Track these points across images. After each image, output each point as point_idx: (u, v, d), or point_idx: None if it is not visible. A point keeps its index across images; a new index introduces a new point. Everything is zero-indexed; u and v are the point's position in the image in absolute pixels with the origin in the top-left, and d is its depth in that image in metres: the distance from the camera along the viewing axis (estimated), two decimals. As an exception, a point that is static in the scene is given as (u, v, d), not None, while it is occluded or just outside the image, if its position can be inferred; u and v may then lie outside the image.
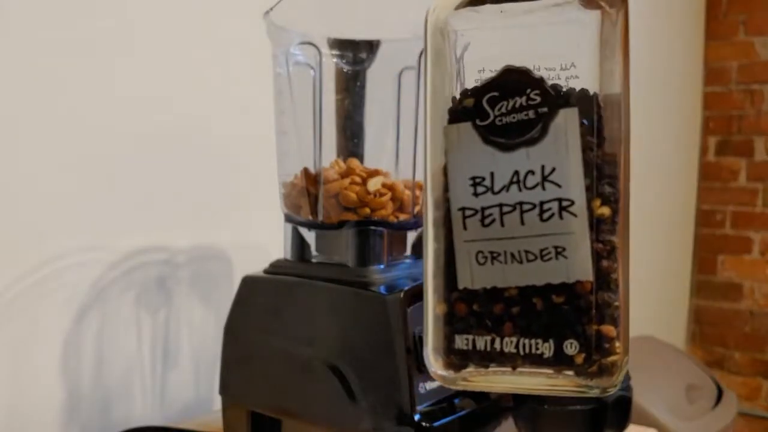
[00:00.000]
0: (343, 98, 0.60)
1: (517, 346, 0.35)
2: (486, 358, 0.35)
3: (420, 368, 0.51)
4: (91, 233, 0.72)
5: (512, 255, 0.34)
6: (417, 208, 0.58)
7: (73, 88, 0.70)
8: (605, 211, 0.34)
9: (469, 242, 0.35)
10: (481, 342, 0.35)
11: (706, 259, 2.20)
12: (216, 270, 0.85)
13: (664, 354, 1.66)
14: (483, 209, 0.35)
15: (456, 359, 0.36)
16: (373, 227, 0.56)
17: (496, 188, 0.35)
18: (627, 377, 0.70)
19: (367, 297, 0.52)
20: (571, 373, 0.35)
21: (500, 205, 0.34)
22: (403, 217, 0.58)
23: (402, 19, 0.57)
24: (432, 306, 0.36)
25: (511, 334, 0.35)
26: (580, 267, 0.34)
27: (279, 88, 0.59)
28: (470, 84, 0.36)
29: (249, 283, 0.60)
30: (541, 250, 0.34)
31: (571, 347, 0.34)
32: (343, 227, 0.56)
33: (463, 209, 0.35)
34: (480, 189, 0.35)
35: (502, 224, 0.34)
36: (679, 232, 2.16)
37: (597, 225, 0.34)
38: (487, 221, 0.35)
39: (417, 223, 0.59)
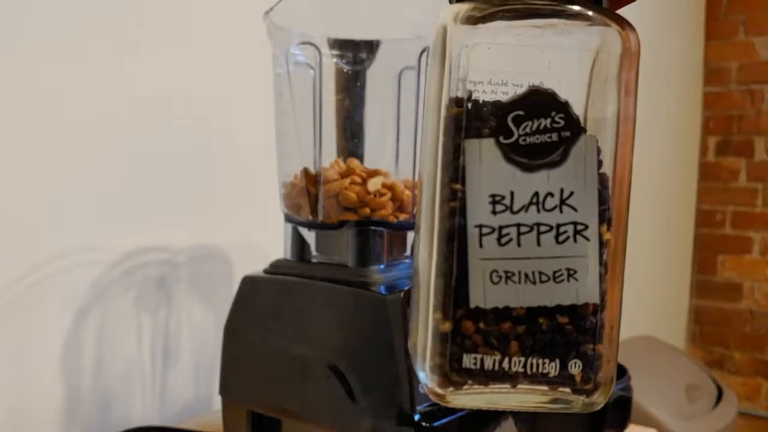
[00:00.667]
0: (343, 98, 0.60)
1: (524, 366, 0.35)
2: (490, 377, 0.35)
3: (420, 368, 0.51)
4: (91, 233, 0.72)
5: (526, 275, 0.35)
6: (417, 208, 0.58)
7: (72, 87, 0.70)
8: (609, 236, 0.35)
9: (484, 260, 0.35)
10: (489, 361, 0.35)
11: (706, 259, 2.20)
12: (216, 270, 0.85)
13: (664, 354, 1.66)
14: (501, 228, 0.35)
15: (459, 378, 0.36)
16: (373, 227, 0.56)
17: (515, 208, 0.35)
18: (627, 377, 0.70)
19: (367, 297, 0.52)
20: (567, 390, 0.35)
21: (518, 225, 0.35)
22: (403, 217, 0.58)
23: (402, 19, 0.57)
24: (434, 323, 0.36)
25: (517, 354, 0.35)
26: (589, 289, 0.34)
27: (279, 88, 0.59)
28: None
29: (249, 283, 0.60)
30: (555, 272, 0.35)
31: (574, 366, 0.35)
32: (343, 227, 0.56)
33: (480, 226, 0.35)
34: (499, 207, 0.35)
35: (519, 244, 0.35)
36: (679, 232, 2.16)
37: (602, 249, 0.35)
38: (504, 240, 0.35)
39: (417, 223, 0.59)
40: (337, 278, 0.55)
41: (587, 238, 0.34)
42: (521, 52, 0.36)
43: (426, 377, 0.36)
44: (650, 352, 1.63)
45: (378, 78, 0.60)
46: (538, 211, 0.35)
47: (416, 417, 0.49)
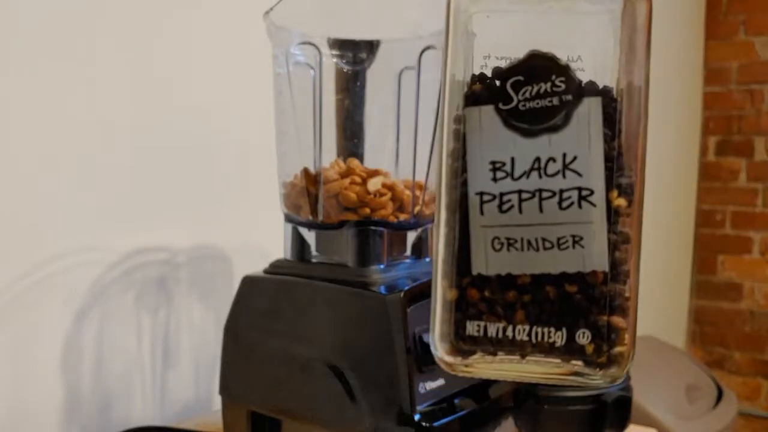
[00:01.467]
0: (343, 98, 0.60)
1: (529, 334, 0.34)
2: (496, 345, 0.35)
3: (420, 368, 0.51)
4: (91, 233, 0.72)
5: (529, 242, 0.34)
6: (417, 208, 0.58)
7: (72, 87, 0.70)
8: (621, 202, 0.34)
9: (485, 227, 0.35)
10: (493, 329, 0.35)
11: (706, 259, 2.20)
12: (216, 270, 0.84)
13: (664, 354, 1.66)
14: (501, 195, 0.34)
15: (465, 345, 0.35)
16: (373, 227, 0.56)
17: (516, 174, 0.34)
18: (627, 377, 0.70)
19: (367, 297, 0.52)
20: (579, 362, 0.34)
21: (519, 192, 0.34)
22: (403, 217, 0.58)
23: (402, 19, 0.57)
24: (441, 291, 0.35)
25: (523, 322, 0.34)
26: (596, 257, 0.34)
27: (279, 88, 0.59)
28: (477, 70, 0.36)
29: (249, 283, 0.60)
30: (559, 239, 0.34)
31: (583, 337, 0.34)
32: (343, 227, 0.56)
33: (481, 194, 0.35)
34: (499, 174, 0.34)
35: (521, 211, 0.34)
36: (679, 232, 2.16)
37: (612, 216, 0.34)
38: (505, 207, 0.34)
39: (417, 223, 0.59)
40: (337, 278, 0.55)
41: (593, 204, 0.34)
42: (544, 26, 0.36)
43: (435, 346, 0.36)
44: (650, 352, 1.63)
45: (378, 78, 0.60)
46: (540, 176, 0.34)
47: (416, 417, 0.49)
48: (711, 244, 2.19)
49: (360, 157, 0.60)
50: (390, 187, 0.57)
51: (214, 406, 0.82)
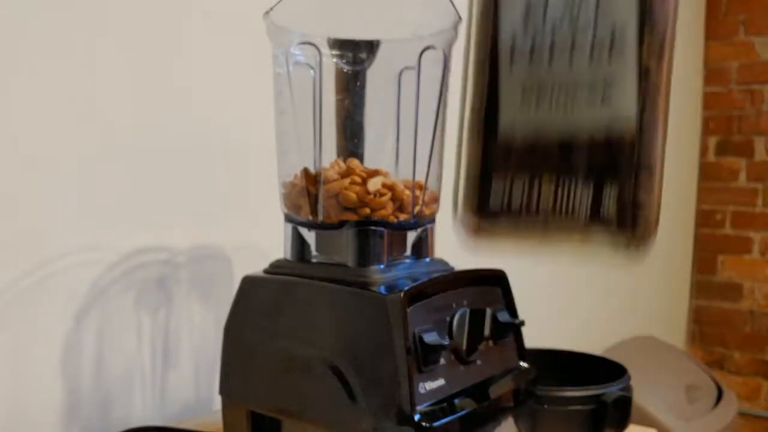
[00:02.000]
0: (343, 98, 0.60)
1: (555, 197, 0.33)
2: (521, 211, 0.34)
3: (420, 368, 0.51)
4: (91, 233, 0.72)
5: (557, 100, 0.33)
6: (417, 208, 0.58)
7: (72, 88, 0.70)
8: (651, 61, 0.33)
9: (515, 80, 0.34)
10: (518, 193, 0.34)
11: (706, 259, 2.20)
12: (216, 270, 0.84)
13: (664, 354, 1.66)
14: (532, 46, 0.34)
15: (489, 211, 0.34)
16: (373, 227, 0.56)
17: (548, 21, 0.33)
18: (627, 377, 0.70)
19: (367, 297, 0.52)
20: (603, 227, 0.33)
21: (551, 44, 0.33)
22: (403, 217, 0.58)
23: (402, 19, 0.57)
24: (466, 157, 0.34)
25: (548, 183, 0.34)
26: (624, 116, 0.33)
27: (279, 88, 0.59)
28: None
29: (249, 283, 0.60)
30: (587, 97, 0.33)
31: (609, 200, 0.33)
32: (343, 227, 0.56)
33: (513, 43, 0.34)
34: (531, 21, 0.33)
35: (550, 64, 0.33)
36: (679, 232, 2.16)
37: (642, 74, 0.33)
38: (535, 58, 0.33)
39: (417, 223, 0.59)
40: (337, 278, 0.55)
41: (623, 58, 0.32)
42: None
43: (459, 215, 0.35)
44: (650, 352, 1.63)
45: (378, 78, 0.60)
46: (571, 26, 0.33)
47: (416, 417, 0.49)
48: (711, 244, 2.19)
49: (360, 157, 0.60)
50: (390, 187, 0.57)
51: (214, 406, 0.82)
